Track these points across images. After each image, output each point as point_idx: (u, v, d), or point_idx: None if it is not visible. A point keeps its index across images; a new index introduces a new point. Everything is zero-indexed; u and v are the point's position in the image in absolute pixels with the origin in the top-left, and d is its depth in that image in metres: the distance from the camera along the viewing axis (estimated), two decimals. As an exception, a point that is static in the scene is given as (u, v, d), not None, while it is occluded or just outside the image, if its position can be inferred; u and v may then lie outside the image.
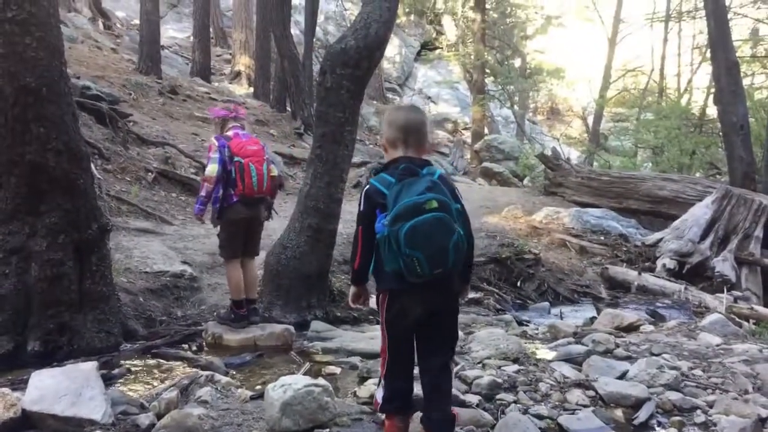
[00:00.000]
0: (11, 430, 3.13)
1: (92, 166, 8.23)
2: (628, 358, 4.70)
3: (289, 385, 3.23)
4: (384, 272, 2.83)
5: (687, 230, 9.59)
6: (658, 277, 8.89)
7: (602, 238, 10.05)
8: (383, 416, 3.13)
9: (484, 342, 4.70)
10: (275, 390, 3.23)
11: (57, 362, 4.35)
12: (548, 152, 14.72)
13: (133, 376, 4.15)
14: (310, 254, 6.08)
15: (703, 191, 11.14)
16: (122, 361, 4.42)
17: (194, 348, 4.73)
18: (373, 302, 3.32)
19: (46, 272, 4.46)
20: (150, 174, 9.16)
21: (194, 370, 4.18)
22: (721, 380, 4.27)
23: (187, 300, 6.10)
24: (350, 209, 7.34)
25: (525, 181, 17.78)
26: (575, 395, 3.89)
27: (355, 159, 11.54)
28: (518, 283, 8.47)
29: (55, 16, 4.48)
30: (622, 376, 4.19)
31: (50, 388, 3.26)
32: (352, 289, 3.16)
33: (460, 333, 5.04)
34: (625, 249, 9.73)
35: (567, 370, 4.28)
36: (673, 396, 3.84)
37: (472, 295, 7.70)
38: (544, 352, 4.84)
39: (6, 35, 4.25)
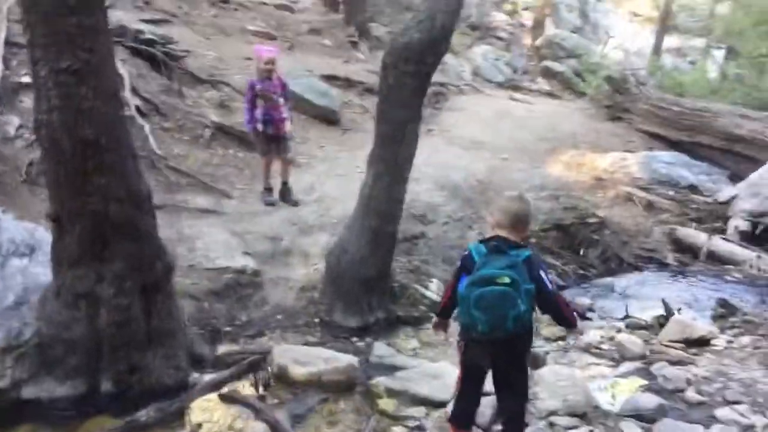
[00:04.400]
0: None
1: (149, 127, 8.22)
2: (700, 406, 4.60)
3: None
4: (461, 324, 3.53)
5: (764, 187, 9.10)
6: (730, 241, 8.56)
7: (671, 192, 9.61)
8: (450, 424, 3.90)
9: (550, 388, 4.62)
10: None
11: (129, 402, 4.54)
12: (615, 73, 13.95)
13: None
14: (370, 257, 6.00)
15: (784, 133, 10.49)
16: (190, 407, 4.50)
17: (261, 387, 4.76)
18: (451, 332, 4.06)
19: (114, 318, 4.50)
20: (207, 130, 9.00)
21: (262, 425, 4.26)
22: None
23: (250, 299, 6.13)
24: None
25: (587, 89, 16.96)
26: (646, 481, 3.84)
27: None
28: (581, 251, 8.25)
29: (110, 62, 4.25)
30: (694, 448, 4.11)
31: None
32: (435, 319, 4.09)
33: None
34: (695, 206, 9.32)
35: (637, 435, 4.21)
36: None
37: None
38: (613, 396, 4.75)
39: (61, 86, 4.06)
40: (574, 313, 3.62)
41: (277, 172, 7.88)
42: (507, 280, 3.23)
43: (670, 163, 10.33)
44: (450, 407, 3.99)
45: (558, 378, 4.75)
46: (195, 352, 5.09)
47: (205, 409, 4.54)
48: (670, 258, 8.46)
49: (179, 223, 6.82)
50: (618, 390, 4.89)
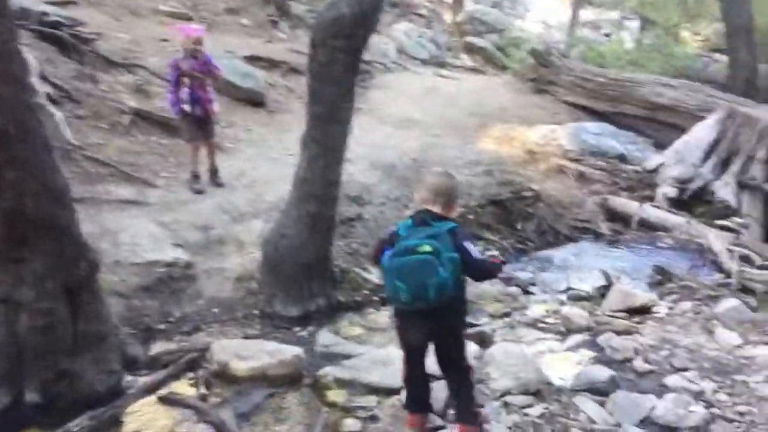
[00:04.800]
0: None
1: (62, 116, 7.68)
2: (649, 375, 4.61)
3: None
4: (387, 296, 3.66)
5: (688, 153, 9.31)
6: (660, 208, 8.71)
7: (601, 162, 9.72)
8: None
9: (501, 367, 4.52)
10: None
11: (59, 412, 4.20)
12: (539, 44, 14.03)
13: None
14: (309, 242, 5.78)
15: (704, 100, 10.76)
16: (127, 413, 4.21)
17: (202, 386, 4.48)
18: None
19: (36, 322, 4.13)
20: (125, 116, 8.50)
21: (206, 426, 4.01)
22: (747, 408, 4.21)
23: (183, 294, 5.81)
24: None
25: (511, 64, 17.04)
26: (606, 453, 3.79)
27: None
28: (517, 225, 8.24)
29: (14, 46, 3.84)
30: (647, 419, 4.08)
31: None
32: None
33: (475, 348, 4.88)
34: (624, 175, 9.46)
35: (592, 409, 4.16)
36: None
37: (473, 247, 7.50)
38: (565, 372, 4.70)
39: (-42, 73, 3.65)
40: (497, 262, 3.79)
41: (204, 157, 7.52)
42: (428, 248, 3.27)
43: (598, 133, 10.45)
44: (403, 395, 4.01)
45: (508, 356, 4.66)
46: (128, 354, 4.76)
47: (143, 414, 4.26)
48: (604, 228, 8.56)
49: (100, 216, 6.39)
50: (568, 364, 4.85)
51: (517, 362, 4.57)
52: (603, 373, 4.53)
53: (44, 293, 4.13)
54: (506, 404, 4.23)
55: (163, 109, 8.51)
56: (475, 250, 3.49)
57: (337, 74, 5.48)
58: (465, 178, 8.46)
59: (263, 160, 8.48)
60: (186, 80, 7.08)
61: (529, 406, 4.20)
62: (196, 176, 7.40)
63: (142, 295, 5.57)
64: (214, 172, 7.53)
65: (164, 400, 4.32)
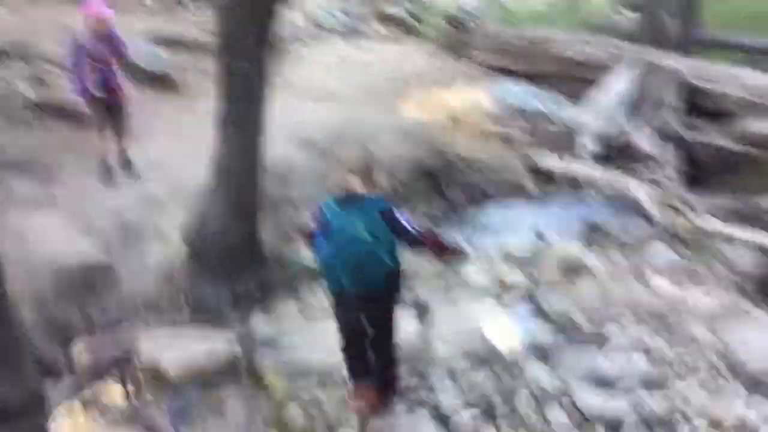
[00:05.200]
0: None
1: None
2: (591, 329, 4.60)
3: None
4: (329, 291, 3.64)
5: (606, 106, 9.41)
6: (583, 164, 8.78)
7: (525, 123, 9.71)
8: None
9: (444, 337, 4.44)
10: None
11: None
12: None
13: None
14: (233, 226, 5.53)
15: (616, 53, 10.87)
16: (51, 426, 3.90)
17: (129, 386, 4.21)
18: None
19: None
20: (27, 111, 7.93)
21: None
22: (688, 355, 4.25)
23: (104, 293, 5.46)
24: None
25: (426, 30, 16.90)
26: (556, 414, 3.74)
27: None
28: (448, 192, 8.15)
29: None
30: (592, 374, 4.06)
31: None
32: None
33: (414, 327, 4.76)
34: (548, 133, 9.47)
35: (538, 369, 4.11)
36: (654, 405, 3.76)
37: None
38: (507, 334, 4.63)
39: None
40: (449, 242, 3.79)
41: (114, 145, 7.09)
42: (368, 237, 3.29)
43: (518, 94, 10.42)
44: (348, 381, 3.96)
45: (450, 325, 4.57)
46: (46, 360, 4.42)
47: (68, 425, 3.96)
48: (532, 186, 8.55)
49: (4, 217, 5.95)
50: (509, 326, 4.79)
51: (459, 330, 4.48)
52: (544, 331, 4.49)
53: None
54: (452, 372, 4.13)
55: (65, 100, 7.99)
56: (405, 219, 3.49)
57: (248, 46, 5.19)
58: (389, 148, 8.30)
59: (179, 145, 8.07)
60: (91, 65, 6.58)
61: (475, 372, 4.11)
62: (108, 168, 6.97)
63: (60, 299, 5.20)
64: (127, 162, 7.11)
65: (90, 407, 4.02)
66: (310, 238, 3.76)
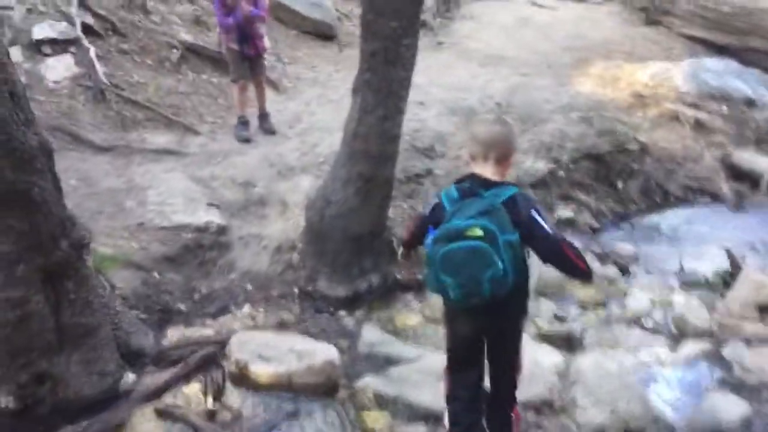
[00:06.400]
0: None
1: (93, 52, 6.88)
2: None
3: None
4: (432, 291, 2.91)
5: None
6: (796, 167, 7.20)
7: (724, 108, 8.15)
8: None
9: (593, 392, 3.47)
10: None
11: (40, 420, 3.49)
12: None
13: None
14: (360, 210, 4.78)
15: None
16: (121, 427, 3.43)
17: (211, 395, 3.65)
18: None
19: (7, 315, 3.37)
20: (175, 51, 7.64)
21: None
22: None
23: (214, 264, 4.97)
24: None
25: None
26: None
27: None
28: (618, 184, 6.94)
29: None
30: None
31: None
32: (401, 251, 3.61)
33: (559, 359, 3.82)
34: (753, 124, 7.89)
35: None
36: None
37: (563, 212, 6.35)
38: (679, 400, 3.57)
39: None
40: (585, 261, 2.75)
41: (253, 99, 6.60)
42: (479, 232, 2.56)
43: (720, 72, 8.79)
44: (446, 418, 3.16)
45: (602, 375, 3.60)
46: (132, 346, 3.98)
47: (136, 430, 3.46)
48: (726, 188, 7.12)
49: (129, 169, 5.64)
50: (683, 388, 3.71)
51: (614, 385, 3.50)
52: (734, 407, 3.39)
53: (15, 280, 3.34)
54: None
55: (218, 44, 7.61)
56: (545, 221, 2.70)
57: (395, 4, 4.34)
58: (557, 126, 7.20)
59: (324, 103, 7.48)
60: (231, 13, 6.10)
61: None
62: (243, 122, 6.50)
63: (164, 266, 4.75)
64: (264, 116, 6.63)
65: (162, 414, 3.50)
66: (415, 233, 3.07)
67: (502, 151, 2.79)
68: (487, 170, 2.76)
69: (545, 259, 2.73)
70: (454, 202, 2.73)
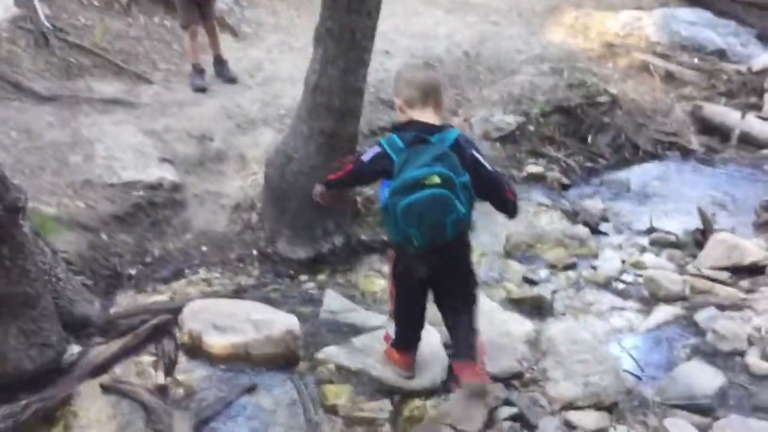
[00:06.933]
0: None
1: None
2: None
3: None
4: (391, 241, 2.96)
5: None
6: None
7: (695, 59, 7.98)
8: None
9: (565, 363, 3.32)
10: None
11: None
12: None
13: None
14: (322, 167, 4.47)
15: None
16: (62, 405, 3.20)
17: (163, 364, 3.42)
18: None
19: (-65, 286, 3.09)
20: (129, -4, 7.15)
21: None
22: None
23: (168, 224, 4.69)
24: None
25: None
26: None
27: None
28: (588, 138, 6.77)
29: None
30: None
31: None
32: (318, 188, 3.33)
33: (529, 327, 3.68)
34: (724, 76, 7.75)
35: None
36: None
37: (532, 168, 6.17)
38: (653, 368, 3.46)
39: None
40: (516, 195, 2.89)
41: (206, 46, 6.22)
42: (437, 179, 2.57)
43: (692, 22, 8.61)
44: (390, 329, 3.31)
45: (574, 344, 3.45)
46: (76, 315, 3.70)
47: (81, 407, 3.24)
48: (696, 143, 7.02)
49: (75, 120, 5.26)
50: (656, 356, 3.61)
51: (585, 357, 3.35)
52: (709, 379, 3.28)
53: (-58, 248, 3.05)
54: (567, 424, 3.05)
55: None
56: (484, 159, 2.80)
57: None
58: (527, 78, 6.98)
59: (287, 51, 7.11)
60: None
61: (601, 431, 3.01)
62: (198, 70, 6.13)
63: (112, 227, 4.47)
64: (220, 63, 6.26)
65: (109, 389, 3.27)
66: (348, 173, 3.01)
67: (439, 96, 2.82)
68: (427, 116, 2.76)
69: (486, 195, 2.80)
70: (399, 151, 2.70)
